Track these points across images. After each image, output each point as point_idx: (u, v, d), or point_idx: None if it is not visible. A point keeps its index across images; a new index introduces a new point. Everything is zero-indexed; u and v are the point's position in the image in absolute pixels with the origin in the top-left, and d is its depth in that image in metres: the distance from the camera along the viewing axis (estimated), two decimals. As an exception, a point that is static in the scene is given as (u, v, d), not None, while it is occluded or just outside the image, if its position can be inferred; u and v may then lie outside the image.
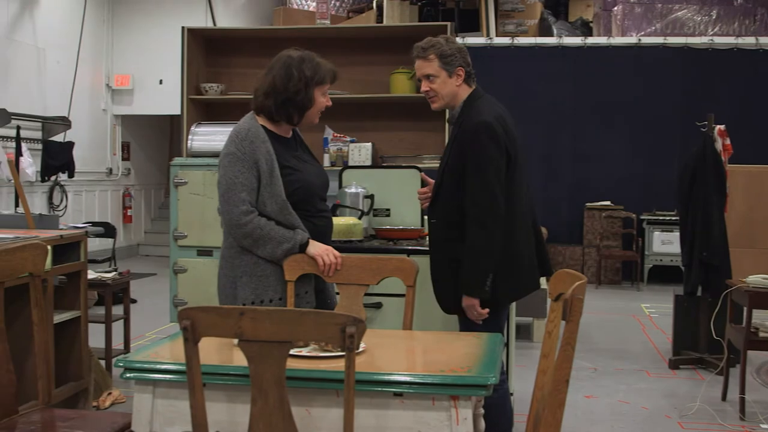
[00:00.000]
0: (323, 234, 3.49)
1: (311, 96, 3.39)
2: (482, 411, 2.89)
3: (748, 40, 11.40)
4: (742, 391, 5.17)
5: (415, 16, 12.92)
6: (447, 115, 3.85)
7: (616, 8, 12.12)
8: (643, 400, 5.56)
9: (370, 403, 2.42)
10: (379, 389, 2.42)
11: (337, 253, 3.40)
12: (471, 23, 12.73)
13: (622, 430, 4.90)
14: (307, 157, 3.57)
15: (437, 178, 3.78)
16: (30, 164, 9.72)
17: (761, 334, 5.05)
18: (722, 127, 6.61)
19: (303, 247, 3.34)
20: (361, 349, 2.64)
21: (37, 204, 10.40)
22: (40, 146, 10.32)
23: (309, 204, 3.44)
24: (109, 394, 5.15)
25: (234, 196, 3.28)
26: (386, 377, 2.44)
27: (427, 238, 4.05)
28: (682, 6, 11.91)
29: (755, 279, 5.19)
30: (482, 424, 2.88)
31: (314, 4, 12.67)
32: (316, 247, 3.37)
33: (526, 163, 3.80)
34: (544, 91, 11.30)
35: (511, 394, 4.41)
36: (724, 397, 5.55)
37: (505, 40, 11.80)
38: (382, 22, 12.03)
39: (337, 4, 13.55)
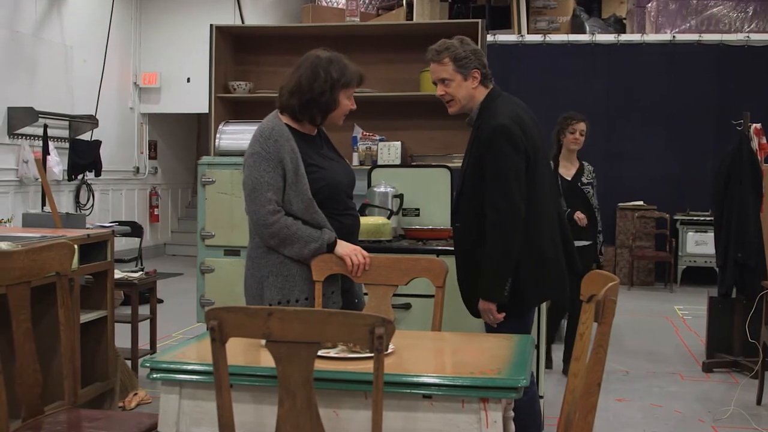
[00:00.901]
0: (350, 232, 3.49)
1: (336, 98, 3.39)
2: (512, 414, 2.87)
3: (785, 37, 11.29)
4: (779, 395, 5.13)
5: (445, 13, 12.91)
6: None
7: (650, 5, 12.03)
8: (675, 403, 5.52)
9: (399, 405, 2.41)
10: (408, 391, 2.41)
11: (365, 253, 3.40)
12: (502, 20, 12.69)
13: (655, 435, 4.87)
14: (333, 155, 3.57)
15: (458, 182, 3.77)
16: (57, 163, 9.82)
17: (798, 338, 5.00)
18: (758, 125, 6.55)
19: (330, 247, 3.34)
20: (389, 351, 2.63)
21: (64, 203, 10.49)
22: (67, 145, 10.41)
23: (336, 202, 3.44)
24: (135, 394, 5.18)
25: (260, 196, 3.29)
26: (415, 379, 2.44)
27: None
28: (717, 2, 11.80)
29: (792, 281, 5.14)
30: (512, 427, 2.86)
31: (344, 1, 12.68)
32: (344, 247, 3.36)
33: (546, 164, 3.78)
34: (576, 89, 11.22)
35: (541, 397, 4.39)
36: (759, 401, 5.49)
37: (536, 38, 11.75)
38: (412, 19, 12.02)
39: (367, 1, 13.56)
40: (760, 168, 6.44)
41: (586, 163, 6.41)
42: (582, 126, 6.29)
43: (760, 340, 5.58)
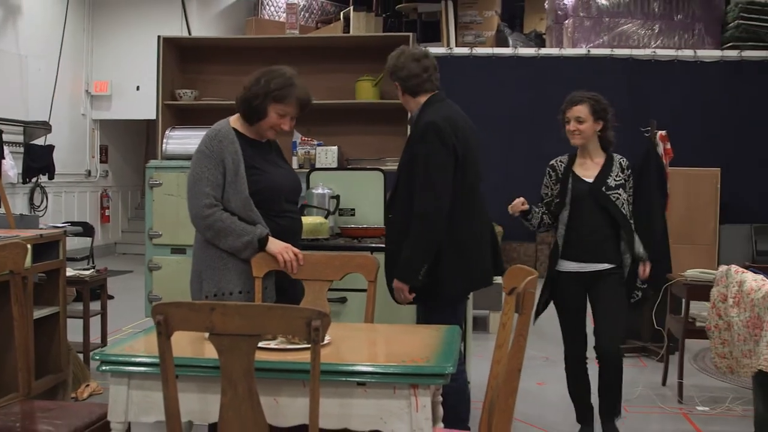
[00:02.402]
0: (287, 233, 3.47)
1: (266, 107, 3.36)
2: (440, 399, 2.89)
3: (687, 53, 11.54)
4: (681, 376, 5.24)
5: (380, 27, 12.92)
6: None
7: (567, 21, 12.21)
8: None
9: (335, 392, 2.42)
10: (343, 379, 2.41)
11: (296, 250, 3.39)
12: (432, 34, 12.76)
13: (572, 415, 4.92)
14: (282, 163, 3.57)
15: (395, 176, 3.79)
16: (12, 167, 9.58)
17: (698, 324, 5.12)
18: (663, 132, 6.69)
19: (262, 242, 3.33)
20: (326, 342, 2.63)
21: (19, 205, 10.26)
22: (21, 149, 10.17)
23: (274, 203, 3.42)
24: (87, 385, 5.10)
25: (199, 191, 3.29)
26: (350, 368, 2.44)
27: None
28: (627, 20, 12.02)
29: (693, 273, 5.26)
30: (440, 411, 2.89)
31: (284, 15, 12.62)
32: (275, 245, 3.36)
33: (477, 165, 3.81)
34: (501, 98, 11.32)
35: (468, 382, 4.43)
36: (664, 382, 5.61)
37: (464, 50, 11.83)
38: (348, 32, 12.01)
39: (307, 15, 13.51)
40: (665, 171, 6.58)
41: (618, 157, 4.57)
42: (578, 111, 4.51)
43: (665, 327, 5.70)
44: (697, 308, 5.27)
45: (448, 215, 3.56)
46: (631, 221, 4.37)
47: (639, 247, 4.35)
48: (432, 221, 3.53)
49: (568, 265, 4.35)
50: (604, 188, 4.32)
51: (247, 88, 3.40)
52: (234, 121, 3.47)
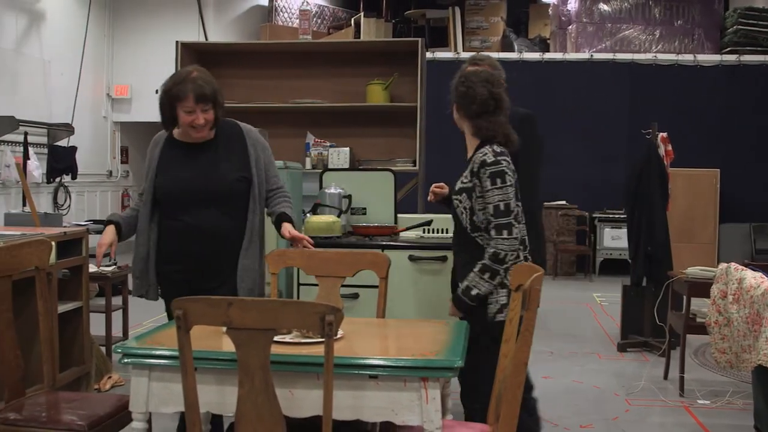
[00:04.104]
0: (176, 235, 3.38)
1: (173, 110, 3.29)
2: (449, 392, 2.89)
3: (687, 57, 11.52)
4: (682, 370, 5.22)
5: (389, 32, 12.91)
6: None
7: (570, 27, 12.18)
8: (594, 379, 5.59)
9: (348, 384, 2.41)
10: (356, 372, 2.41)
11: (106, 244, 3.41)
12: (440, 39, 12.74)
13: (576, 407, 4.92)
14: (217, 164, 3.37)
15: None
16: (36, 167, 9.63)
17: (698, 320, 5.10)
18: (665, 134, 6.67)
19: (106, 222, 3.50)
20: (339, 336, 2.63)
21: (43, 204, 10.29)
22: (45, 150, 10.21)
23: (171, 205, 3.39)
24: (109, 377, 5.11)
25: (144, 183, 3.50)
26: (362, 361, 2.44)
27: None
28: (629, 26, 11.99)
29: (694, 270, 5.24)
30: (449, 403, 2.88)
31: (297, 21, 12.62)
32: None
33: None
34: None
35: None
36: (665, 376, 5.59)
37: (471, 55, 11.80)
38: (359, 37, 12.01)
39: (319, 21, 13.51)
40: (667, 172, 6.55)
41: (483, 152, 3.27)
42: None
43: (666, 323, 5.68)
44: (698, 305, 5.25)
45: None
46: (478, 238, 3.28)
47: (466, 281, 3.25)
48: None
49: None
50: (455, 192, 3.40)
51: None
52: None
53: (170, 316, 3.36)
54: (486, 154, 3.24)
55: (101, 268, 5.65)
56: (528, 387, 3.55)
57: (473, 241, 3.28)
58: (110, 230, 3.44)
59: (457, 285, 3.33)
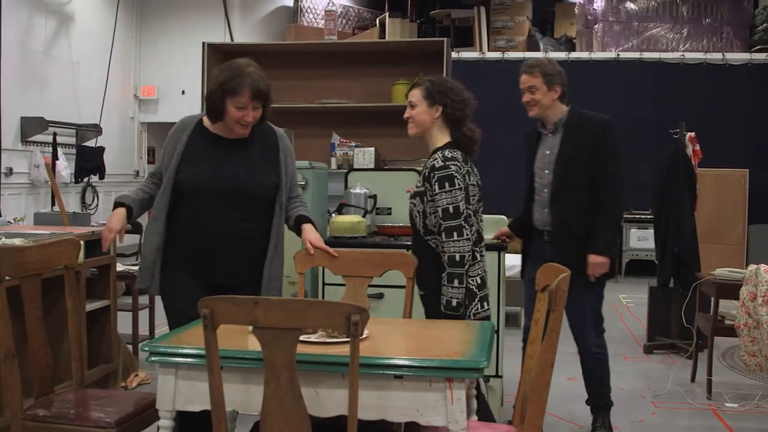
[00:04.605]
0: (189, 231, 3.29)
1: (223, 102, 3.20)
2: (475, 392, 2.88)
3: (716, 56, 11.40)
4: (709, 373, 5.17)
5: (414, 32, 12.89)
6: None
7: (596, 26, 12.10)
8: (620, 381, 5.55)
9: (373, 384, 2.41)
10: (381, 372, 2.41)
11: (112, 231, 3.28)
12: (465, 39, 12.70)
13: (602, 409, 4.88)
14: (249, 164, 3.30)
15: (557, 169, 4.19)
16: (65, 167, 9.72)
17: (726, 322, 5.05)
18: (692, 134, 6.61)
19: (116, 205, 3.33)
20: (364, 336, 2.63)
21: (71, 203, 10.39)
22: (74, 151, 10.30)
23: (195, 200, 3.27)
24: (136, 375, 5.15)
25: (157, 162, 3.44)
26: (387, 361, 2.44)
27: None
28: (656, 24, 11.89)
29: (722, 272, 5.19)
30: (474, 404, 2.87)
31: (323, 21, 12.65)
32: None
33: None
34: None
35: (500, 376, 4.41)
36: (693, 379, 5.55)
37: (496, 55, 11.79)
38: (384, 38, 12.01)
39: (344, 21, 13.53)
40: (694, 172, 6.50)
41: (434, 157, 3.37)
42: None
43: (694, 325, 5.63)
44: (726, 306, 5.20)
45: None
46: (431, 241, 3.38)
47: (443, 296, 3.30)
48: (622, 201, 4.19)
49: None
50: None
51: (208, 86, 3.31)
52: (207, 117, 3.38)
53: (169, 314, 3.37)
54: (436, 159, 3.33)
55: (128, 267, 5.70)
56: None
57: (427, 244, 3.40)
58: (120, 215, 3.28)
59: (421, 287, 3.46)
